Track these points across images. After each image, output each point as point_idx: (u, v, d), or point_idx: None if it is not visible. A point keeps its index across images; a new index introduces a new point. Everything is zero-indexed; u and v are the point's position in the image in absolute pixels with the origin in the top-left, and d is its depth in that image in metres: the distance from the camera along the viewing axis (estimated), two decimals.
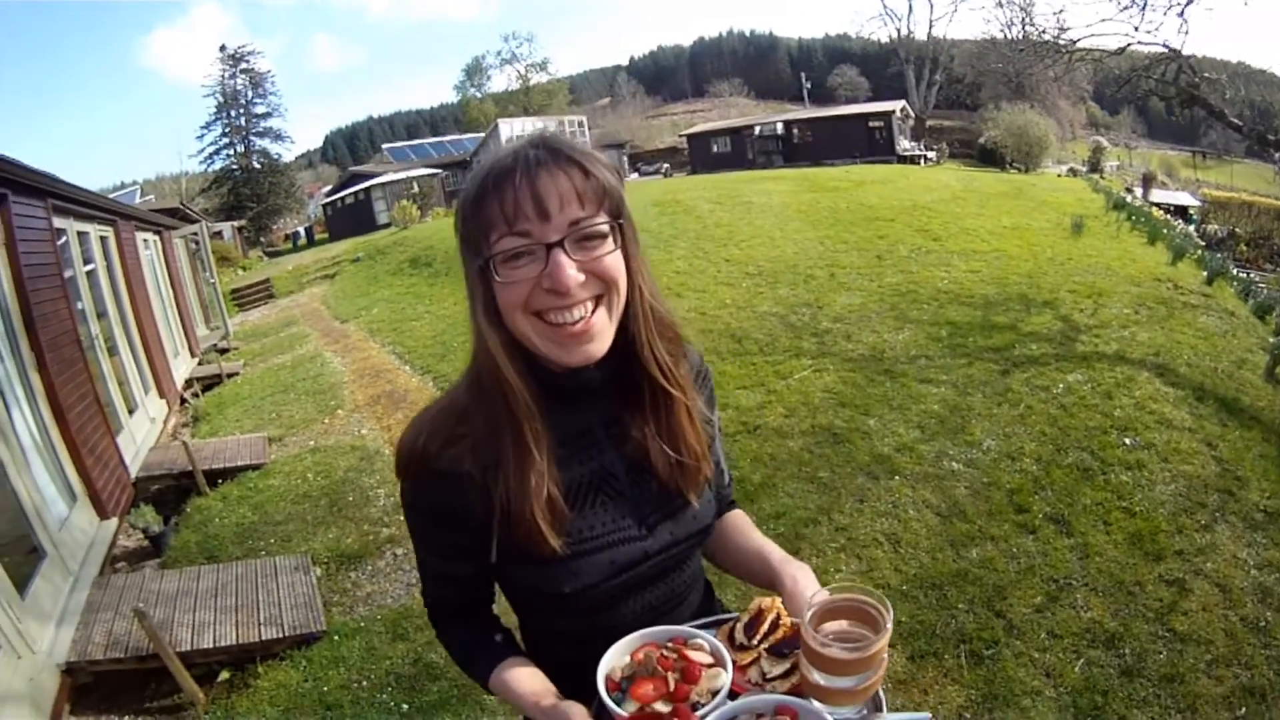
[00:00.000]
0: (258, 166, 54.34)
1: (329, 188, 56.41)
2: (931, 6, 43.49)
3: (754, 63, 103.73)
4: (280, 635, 3.96)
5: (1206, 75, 8.93)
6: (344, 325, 13.61)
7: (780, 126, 38.20)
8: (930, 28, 47.35)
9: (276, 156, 56.30)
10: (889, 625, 0.96)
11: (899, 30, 47.75)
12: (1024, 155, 32.11)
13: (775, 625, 1.10)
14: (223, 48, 55.72)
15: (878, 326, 7.45)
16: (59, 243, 6.96)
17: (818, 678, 0.97)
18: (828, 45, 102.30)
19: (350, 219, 40.00)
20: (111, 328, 8.41)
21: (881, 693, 1.03)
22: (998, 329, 6.94)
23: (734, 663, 1.06)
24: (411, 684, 3.64)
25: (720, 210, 14.14)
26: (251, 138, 54.78)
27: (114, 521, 5.72)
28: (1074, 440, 4.97)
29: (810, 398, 6.03)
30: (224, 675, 3.92)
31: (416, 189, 36.41)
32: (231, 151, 54.45)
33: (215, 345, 14.41)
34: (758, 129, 38.81)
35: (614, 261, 1.02)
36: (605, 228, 1.01)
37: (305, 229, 46.94)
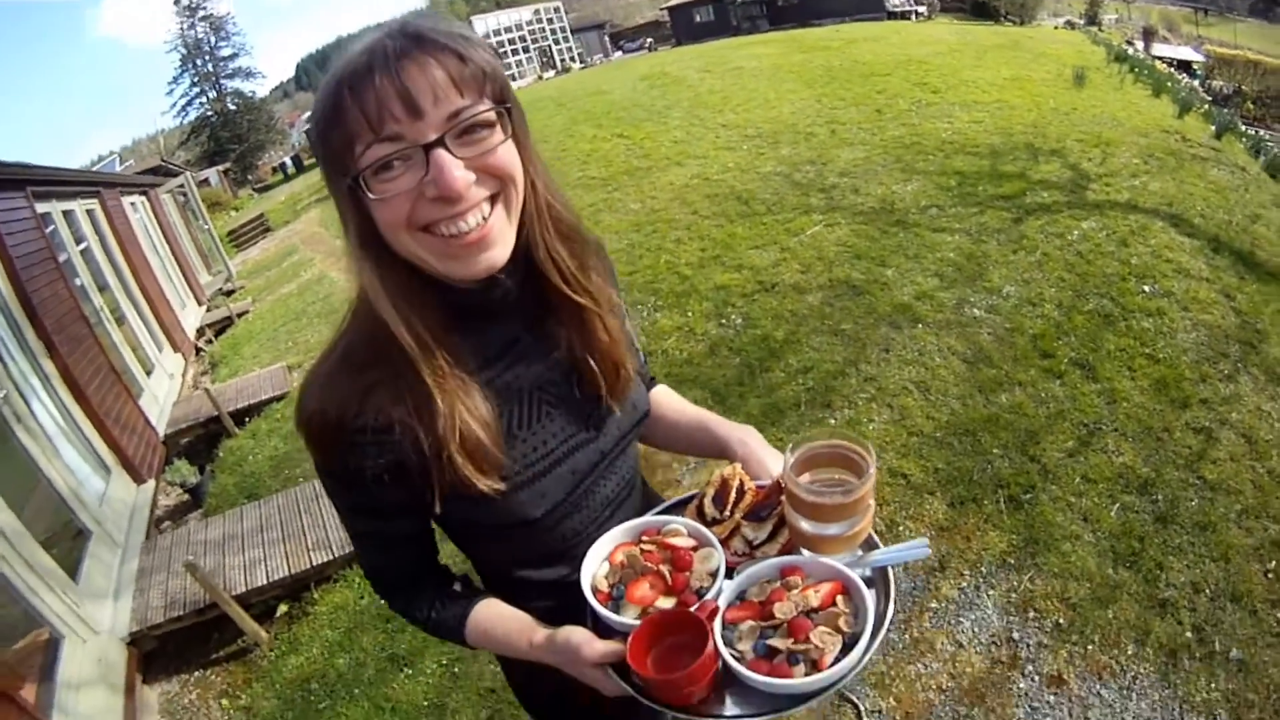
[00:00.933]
0: (233, 108, 53.71)
1: (309, 113, 56.79)
2: None
3: None
4: (330, 557, 4.02)
5: None
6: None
7: None
8: None
9: (251, 94, 55.60)
10: (873, 468, 0.94)
11: None
12: (1018, 7, 30.80)
13: (742, 491, 1.08)
14: (176, 0, 54.29)
15: (884, 179, 7.33)
16: (47, 230, 6.92)
17: (807, 527, 0.96)
18: None
19: None
20: (115, 297, 8.43)
21: (874, 535, 1.02)
22: (1007, 178, 6.80)
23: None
24: (464, 577, 3.73)
25: (711, 78, 13.84)
26: (222, 81, 53.94)
27: (151, 484, 5.82)
28: (1093, 287, 4.93)
29: (825, 252, 5.98)
30: (282, 609, 4.00)
31: None
32: (204, 99, 53.70)
33: (220, 289, 14.39)
34: None
35: (506, 153, 0.89)
36: (491, 115, 0.86)
37: (292, 158, 46.61)
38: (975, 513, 3.43)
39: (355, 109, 0.82)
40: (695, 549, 1.03)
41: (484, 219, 0.88)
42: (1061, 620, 2.89)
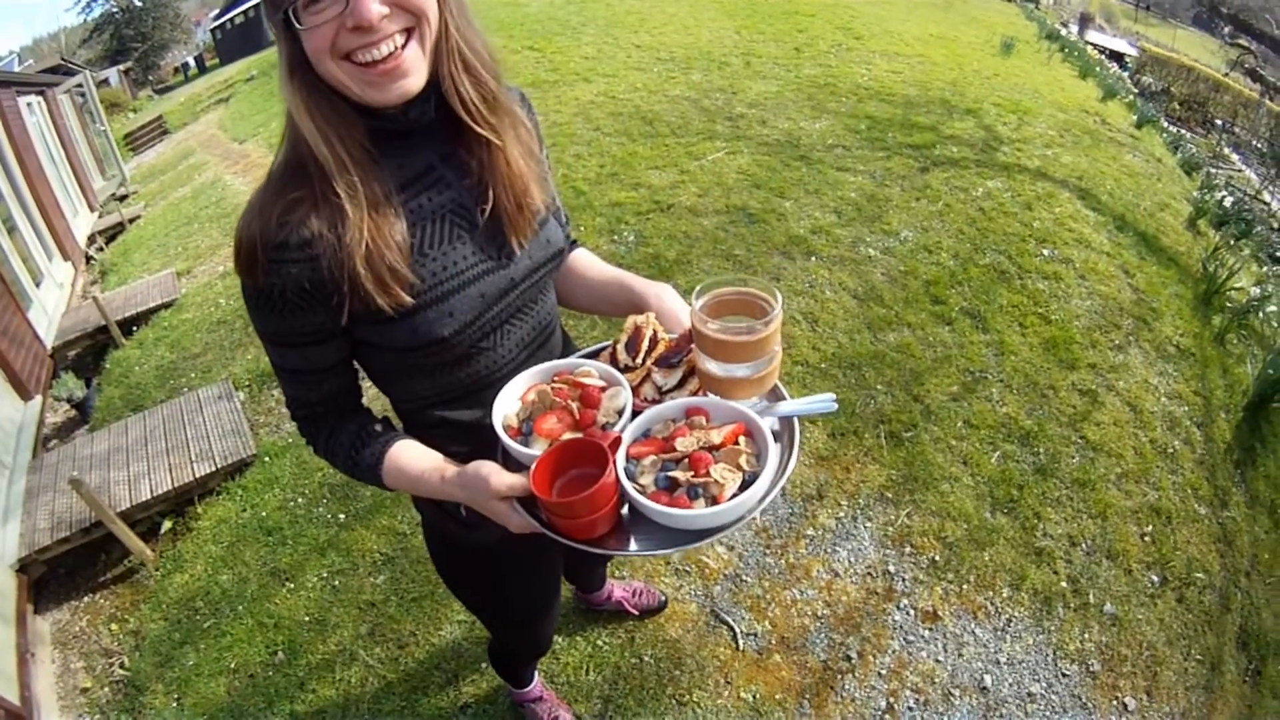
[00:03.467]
0: (139, 4, 50.30)
1: (215, 10, 53.73)
2: None
3: None
4: (214, 469, 3.97)
5: None
6: (242, 146, 13.03)
7: None
8: None
9: None
10: (778, 310, 0.97)
11: None
12: None
13: (655, 341, 1.11)
14: None
15: (794, 114, 7.32)
16: None
17: (714, 368, 0.99)
18: None
19: (242, 40, 38.36)
20: (7, 206, 7.98)
21: (781, 386, 1.07)
22: (918, 128, 6.89)
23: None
24: (345, 493, 3.71)
25: None
26: None
27: (38, 400, 5.62)
28: (991, 243, 5.06)
29: (724, 179, 5.98)
30: (166, 525, 3.93)
31: None
32: None
33: (114, 194, 13.71)
34: None
35: None
36: None
37: (195, 58, 45.04)
38: (855, 445, 3.53)
39: None
40: (604, 389, 1.06)
41: (397, 47, 0.97)
42: (938, 558, 3.02)
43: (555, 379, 1.12)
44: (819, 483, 3.36)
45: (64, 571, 3.92)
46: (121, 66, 39.54)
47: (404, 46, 0.98)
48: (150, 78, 46.39)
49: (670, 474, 0.94)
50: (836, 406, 1.03)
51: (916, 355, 4.07)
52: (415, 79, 1.00)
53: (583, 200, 5.79)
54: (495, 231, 1.14)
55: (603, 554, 0.95)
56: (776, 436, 1.01)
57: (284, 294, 1.02)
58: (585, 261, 1.40)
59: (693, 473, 0.93)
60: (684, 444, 0.97)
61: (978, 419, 3.66)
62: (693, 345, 1.04)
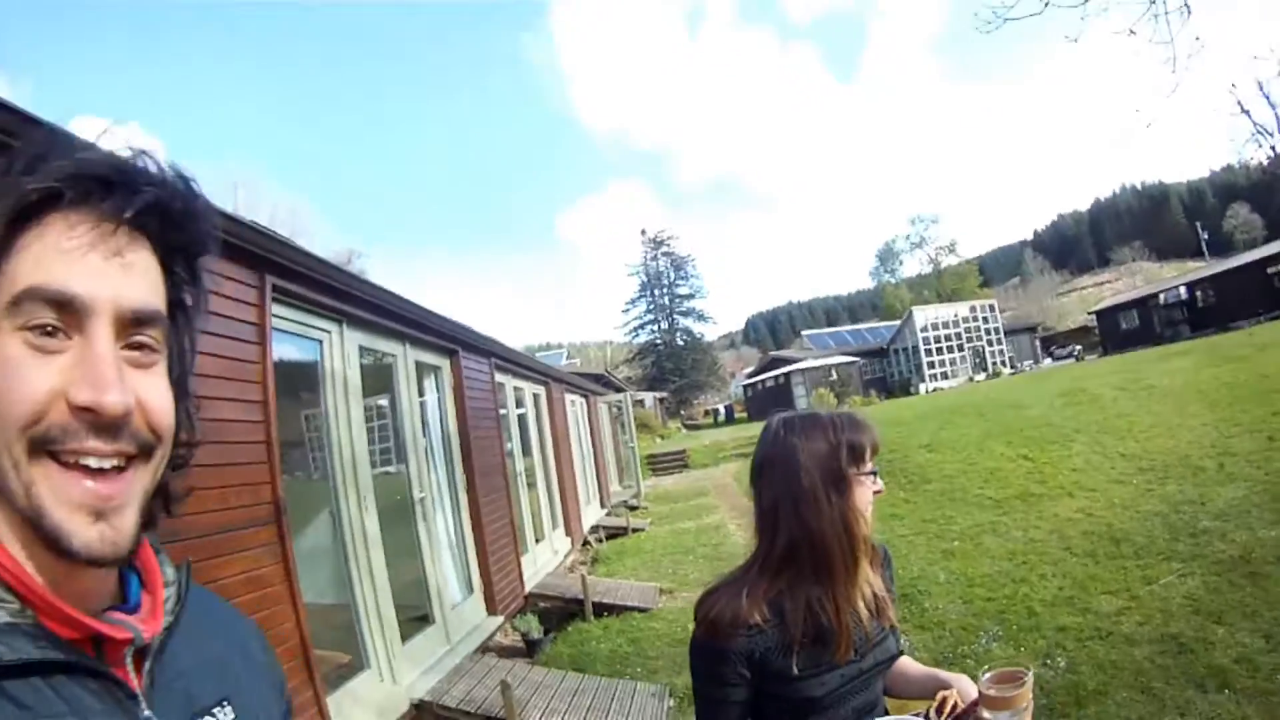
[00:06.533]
0: (680, 343, 58.61)
1: (750, 369, 60.22)
2: None
3: (1150, 217, 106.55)
4: None
5: None
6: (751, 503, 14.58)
7: (1183, 290, 35.43)
8: None
9: (699, 335, 60.55)
10: (1030, 676, 1.51)
11: (1274, 149, 39.41)
12: None
13: (955, 707, 1.65)
14: (643, 231, 62.55)
15: (1254, 523, 6.57)
16: (498, 395, 8.64)
17: (988, 715, 1.53)
18: (1215, 183, 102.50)
19: (769, 400, 41.47)
20: (534, 467, 10.11)
21: None
22: None
23: None
24: None
25: (1124, 398, 13.18)
26: (675, 316, 59.51)
27: (499, 619, 6.90)
28: None
29: (1169, 604, 5.57)
30: None
31: (835, 376, 38.04)
32: (655, 327, 59.53)
33: (626, 502, 16.11)
34: (1162, 297, 36.47)
35: None
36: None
37: (725, 407, 50.12)
38: None
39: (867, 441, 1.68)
40: None
41: None
42: None
43: None
44: None
45: None
46: (658, 394, 45.35)
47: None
48: (682, 411, 52.73)
49: None
50: None
51: None
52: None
53: (1034, 621, 5.88)
54: (859, 640, 1.67)
55: None
56: None
57: (733, 655, 1.59)
58: (906, 662, 1.88)
59: None
60: None
61: None
62: (977, 705, 1.55)
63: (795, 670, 1.56)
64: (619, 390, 21.47)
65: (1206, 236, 61.10)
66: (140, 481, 0.66)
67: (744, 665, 1.57)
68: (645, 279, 60.92)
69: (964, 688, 1.65)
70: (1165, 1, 4.88)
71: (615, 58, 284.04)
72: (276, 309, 4.20)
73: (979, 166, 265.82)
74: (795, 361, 43.61)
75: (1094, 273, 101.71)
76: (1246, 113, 38.07)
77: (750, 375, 53.17)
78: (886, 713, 1.84)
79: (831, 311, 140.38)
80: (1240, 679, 4.42)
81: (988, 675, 1.52)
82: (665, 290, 60.54)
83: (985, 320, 44.07)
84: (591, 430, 15.78)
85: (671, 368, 56.87)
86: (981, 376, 39.38)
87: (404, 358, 6.14)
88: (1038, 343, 49.17)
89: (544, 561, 9.41)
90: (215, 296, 1.87)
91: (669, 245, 61.47)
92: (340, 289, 4.91)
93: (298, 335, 4.67)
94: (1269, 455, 8.37)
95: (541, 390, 11.42)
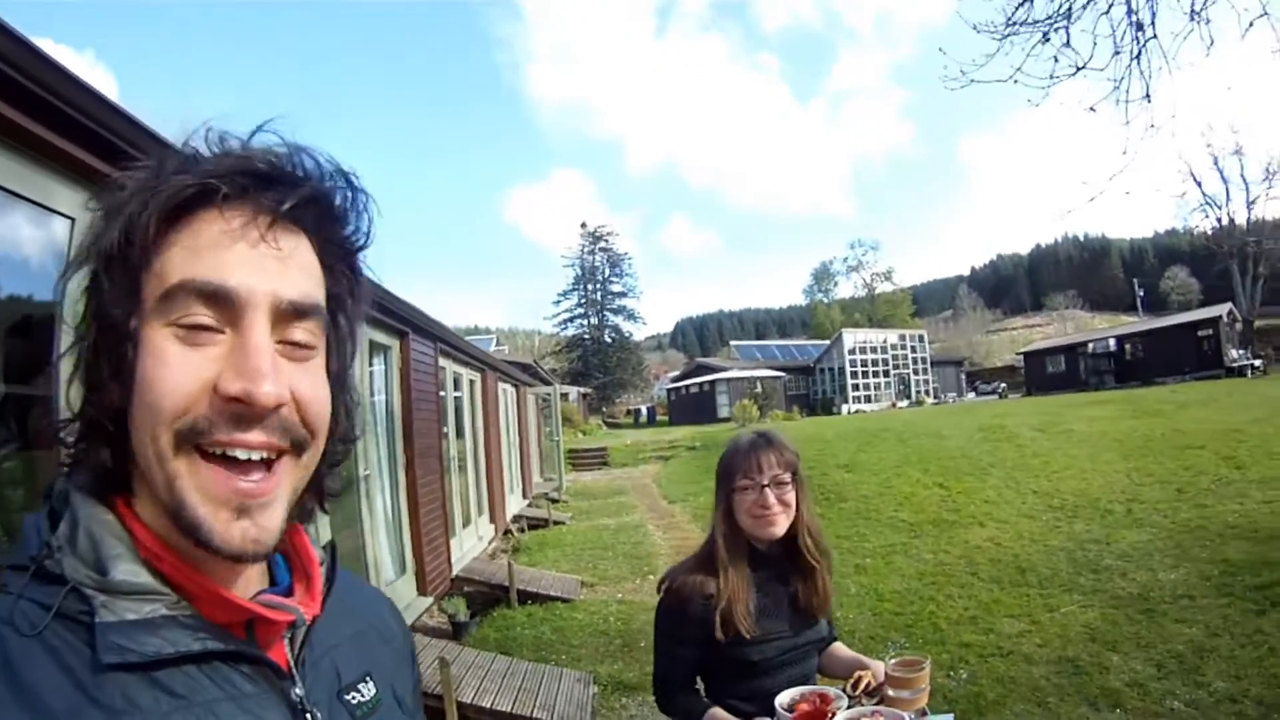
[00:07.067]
0: (609, 340, 58.33)
1: (675, 373, 60.05)
2: (1247, 187, 37.66)
3: (1088, 269, 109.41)
4: (549, 719, 4.68)
5: None
6: (671, 505, 14.90)
7: (1113, 342, 37.08)
8: (1249, 211, 40.93)
9: (628, 334, 60.33)
10: (928, 665, 1.84)
11: (1219, 220, 41.59)
12: None
13: (869, 685, 1.98)
14: (584, 224, 62.24)
15: (1155, 565, 7.17)
16: (439, 379, 8.68)
17: (892, 693, 1.85)
18: (1158, 245, 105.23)
19: (692, 406, 42.02)
20: (465, 451, 10.25)
21: (926, 707, 1.86)
22: (1270, 566, 6.41)
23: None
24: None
25: (1041, 439, 13.93)
26: (606, 312, 59.26)
27: (429, 600, 7.10)
28: None
29: (1068, 631, 6.03)
30: None
31: (760, 389, 37.94)
32: (585, 322, 59.26)
33: (547, 494, 16.33)
34: (1091, 345, 37.97)
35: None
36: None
37: (648, 408, 50.12)
38: None
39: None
40: (835, 699, 1.86)
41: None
42: None
43: (811, 694, 1.93)
44: None
45: None
46: (582, 389, 44.72)
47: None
48: (604, 409, 52.43)
49: None
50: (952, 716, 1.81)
51: None
52: (779, 528, 2.00)
53: (939, 636, 6.29)
54: (796, 619, 2.05)
55: None
56: None
57: (683, 617, 1.99)
58: (839, 647, 2.27)
59: None
60: None
61: None
62: (884, 684, 1.86)
63: (735, 636, 1.91)
64: (547, 383, 21.53)
65: (1143, 294, 63.40)
66: (289, 478, 0.65)
67: (696, 628, 1.94)
68: (580, 272, 60.67)
69: (879, 671, 1.99)
70: (1129, 90, 5.23)
71: (580, 40, 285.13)
72: None
73: (924, 199, 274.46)
74: (721, 370, 44.06)
75: (1026, 315, 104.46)
76: (1199, 184, 39.98)
77: (675, 379, 53.32)
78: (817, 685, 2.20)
79: (761, 324, 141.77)
80: (1132, 700, 4.89)
81: (894, 661, 1.86)
82: (599, 286, 60.28)
83: (914, 349, 45.36)
84: (519, 420, 15.91)
85: (597, 364, 56.73)
86: (904, 404, 40.43)
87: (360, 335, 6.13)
88: (963, 376, 50.67)
89: (469, 546, 9.55)
90: None
91: (608, 241, 61.41)
92: None
93: None
94: (1176, 506, 9.05)
95: (478, 376, 11.50)
